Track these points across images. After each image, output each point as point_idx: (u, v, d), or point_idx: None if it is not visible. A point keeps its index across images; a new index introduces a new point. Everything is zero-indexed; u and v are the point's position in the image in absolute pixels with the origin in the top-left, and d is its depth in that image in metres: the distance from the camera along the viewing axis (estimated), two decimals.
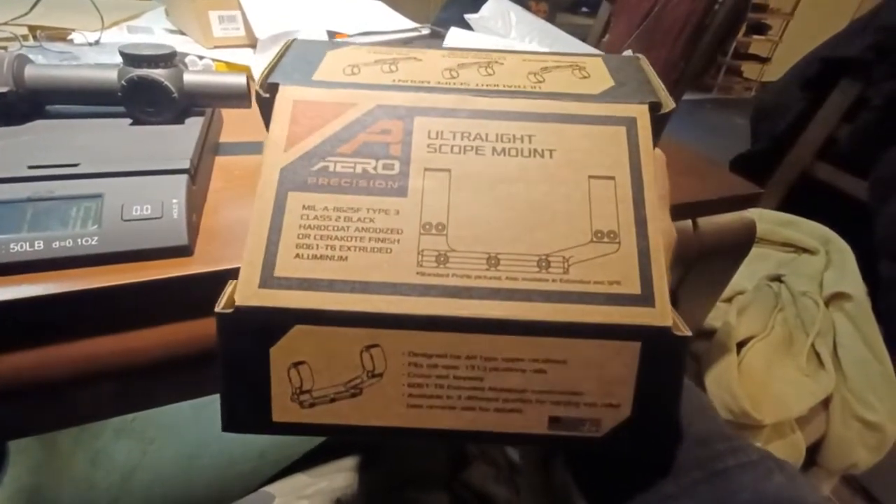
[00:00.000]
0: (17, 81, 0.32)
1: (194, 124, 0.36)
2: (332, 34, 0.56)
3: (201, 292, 0.29)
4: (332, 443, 0.43)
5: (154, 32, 0.66)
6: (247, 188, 0.36)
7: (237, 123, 0.45)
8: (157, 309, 0.28)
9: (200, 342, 0.29)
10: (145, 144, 0.32)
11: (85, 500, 0.85)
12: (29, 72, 0.33)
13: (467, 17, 0.61)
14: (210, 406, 0.34)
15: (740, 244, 0.49)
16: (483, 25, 0.61)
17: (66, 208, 0.27)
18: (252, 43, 0.62)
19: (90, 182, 0.28)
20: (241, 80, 0.37)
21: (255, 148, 0.42)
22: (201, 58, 0.57)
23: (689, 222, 0.44)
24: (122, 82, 0.33)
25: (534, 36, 0.61)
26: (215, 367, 0.31)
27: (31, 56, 0.34)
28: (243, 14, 0.59)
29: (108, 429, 0.97)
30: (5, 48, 0.55)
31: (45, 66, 0.34)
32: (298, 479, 0.38)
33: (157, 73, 0.34)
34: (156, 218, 0.28)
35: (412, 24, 0.63)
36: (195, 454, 0.92)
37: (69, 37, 0.58)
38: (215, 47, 0.59)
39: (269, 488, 0.38)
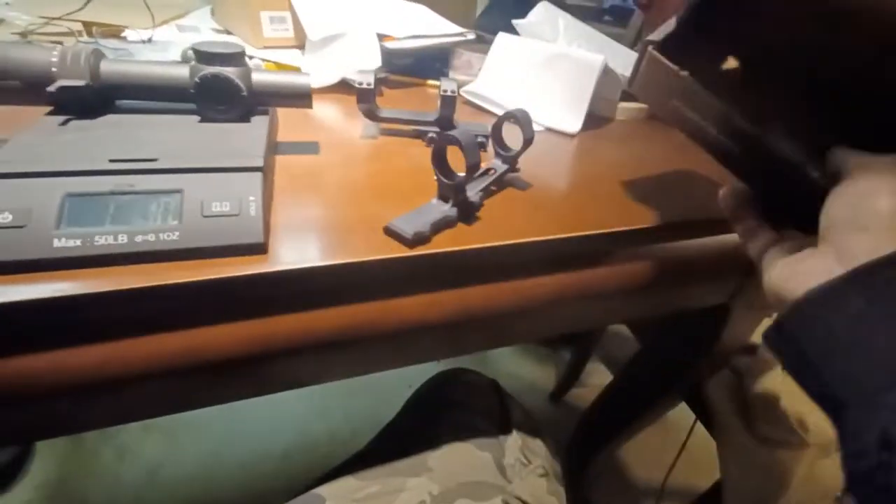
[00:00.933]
0: (92, 75, 0.33)
1: (260, 123, 0.36)
2: (381, 37, 0.57)
3: (272, 291, 0.29)
4: (382, 447, 0.43)
5: (201, 31, 0.67)
6: (308, 188, 0.36)
7: (288, 124, 0.45)
8: (229, 306, 0.28)
9: (266, 341, 0.29)
10: (217, 141, 0.32)
11: (110, 494, 0.85)
12: (104, 66, 0.33)
13: (515, 22, 0.61)
14: (235, 404, 0.34)
15: None
16: (530, 31, 0.60)
17: (146, 203, 0.27)
18: (299, 44, 0.62)
19: (169, 177, 0.28)
20: (306, 80, 0.37)
21: (310, 148, 0.42)
22: (251, 57, 0.57)
23: None
24: (196, 79, 0.33)
25: (581, 42, 0.60)
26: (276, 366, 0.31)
27: (77, 45, 0.34)
28: (293, 15, 0.60)
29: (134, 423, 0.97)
30: (60, 42, 0.56)
31: (119, 61, 0.34)
32: (348, 483, 0.38)
33: (229, 72, 0.34)
34: (234, 215, 0.28)
35: (458, 29, 0.63)
36: (219, 452, 0.92)
37: (122, 34, 0.59)
38: (264, 47, 0.60)
39: (320, 490, 0.38)
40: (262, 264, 0.27)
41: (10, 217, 0.24)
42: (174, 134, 0.33)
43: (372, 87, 0.42)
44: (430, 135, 0.45)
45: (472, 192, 0.35)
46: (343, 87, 0.56)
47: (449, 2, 0.75)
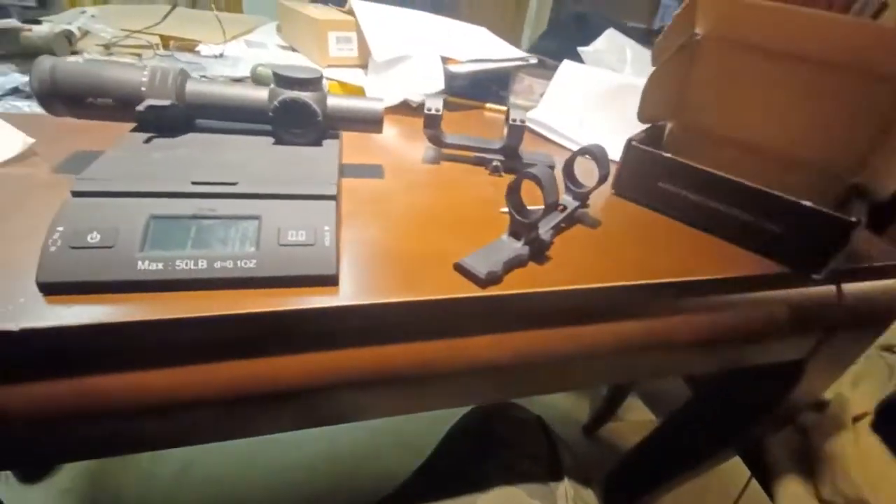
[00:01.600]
0: (178, 95, 0.33)
1: (331, 147, 0.36)
2: (444, 59, 0.57)
3: (340, 325, 0.28)
4: (427, 483, 0.42)
5: (268, 48, 0.69)
6: (374, 215, 0.35)
7: (350, 144, 0.45)
8: (297, 338, 0.28)
9: (329, 374, 0.29)
10: (292, 166, 0.32)
11: (142, 488, 0.87)
12: (189, 87, 0.34)
13: (580, 49, 0.60)
14: None
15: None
16: (596, 59, 0.59)
17: (226, 228, 0.27)
18: (362, 63, 0.63)
19: (248, 203, 0.28)
20: (379, 106, 0.37)
21: (374, 171, 0.42)
22: None
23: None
24: (276, 103, 0.34)
25: (649, 72, 0.58)
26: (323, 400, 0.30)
27: (164, 65, 0.35)
28: (358, 36, 0.60)
29: None
30: (140, 55, 0.59)
31: (202, 81, 0.35)
32: None
33: (307, 96, 0.34)
34: (309, 245, 0.27)
35: (520, 53, 0.63)
36: (247, 457, 0.93)
37: (196, 48, 0.62)
38: (329, 66, 0.61)
39: None
40: (334, 298, 0.27)
41: (99, 237, 0.25)
42: (251, 156, 0.33)
43: (440, 113, 0.42)
44: (494, 163, 0.44)
45: (544, 229, 0.34)
46: (404, 107, 0.56)
47: (496, 24, 0.75)
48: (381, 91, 0.55)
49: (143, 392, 0.25)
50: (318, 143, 0.36)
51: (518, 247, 0.31)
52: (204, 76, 0.55)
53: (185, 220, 0.27)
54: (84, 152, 0.37)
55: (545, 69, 0.64)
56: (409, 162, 0.45)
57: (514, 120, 0.42)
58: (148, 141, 0.33)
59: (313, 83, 0.35)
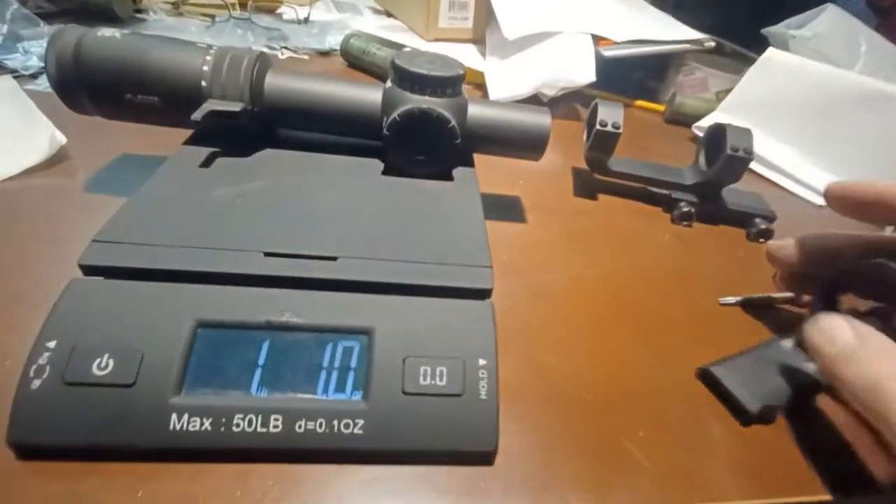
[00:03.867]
0: (253, 95, 0.22)
1: (467, 182, 0.24)
2: (596, 39, 0.42)
3: None
4: None
5: (361, 12, 0.56)
6: (527, 296, 0.23)
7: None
8: None
9: None
10: (414, 220, 0.20)
11: None
12: (270, 82, 0.23)
13: (790, 31, 0.43)
14: None
15: None
16: (811, 47, 0.42)
17: (316, 350, 0.16)
18: (476, 38, 0.49)
19: (353, 300, 0.17)
20: (546, 121, 0.24)
21: (512, 209, 0.30)
22: None
23: None
24: (395, 116, 0.21)
25: (890, 72, 0.40)
26: None
27: (238, 32, 0.24)
28: (476, 2, 0.46)
29: None
30: (213, 16, 0.48)
31: (288, 75, 0.23)
32: None
33: (441, 106, 0.22)
34: (454, 395, 0.16)
35: (695, 34, 0.46)
36: None
37: (278, 10, 0.50)
38: (435, 39, 0.48)
39: None
40: (490, 493, 0.15)
41: (111, 366, 0.14)
42: (352, 199, 0.21)
43: (620, 131, 0.28)
44: (683, 206, 0.30)
45: None
46: (532, 102, 0.42)
47: None
48: (506, 78, 0.41)
49: None
50: (447, 176, 0.24)
51: (813, 366, 0.19)
52: (286, 48, 0.44)
53: (252, 331, 0.16)
54: (133, 157, 0.27)
55: (723, 57, 0.47)
56: (556, 193, 0.32)
57: (736, 150, 0.27)
58: (207, 163, 0.22)
59: (451, 84, 0.22)
